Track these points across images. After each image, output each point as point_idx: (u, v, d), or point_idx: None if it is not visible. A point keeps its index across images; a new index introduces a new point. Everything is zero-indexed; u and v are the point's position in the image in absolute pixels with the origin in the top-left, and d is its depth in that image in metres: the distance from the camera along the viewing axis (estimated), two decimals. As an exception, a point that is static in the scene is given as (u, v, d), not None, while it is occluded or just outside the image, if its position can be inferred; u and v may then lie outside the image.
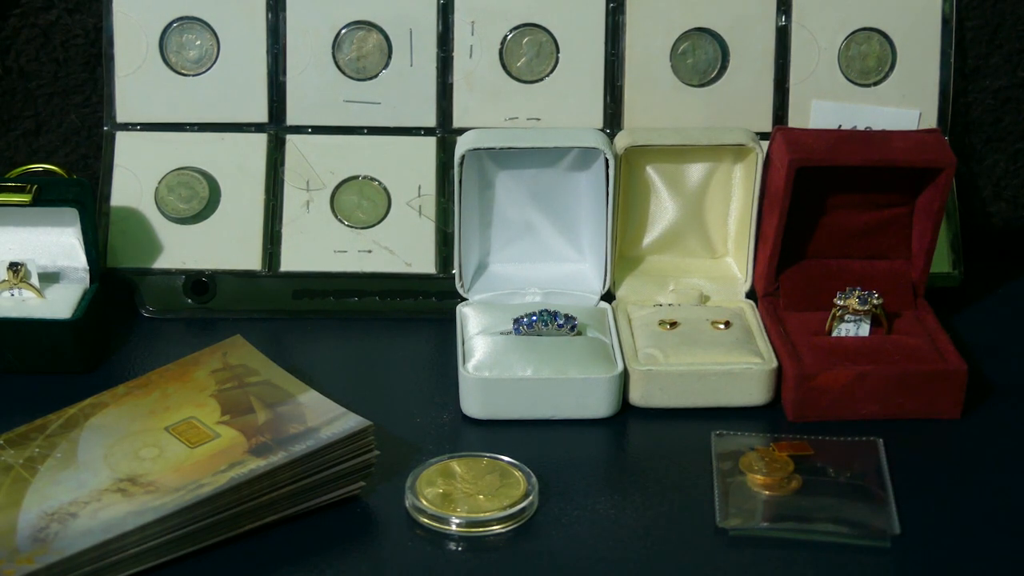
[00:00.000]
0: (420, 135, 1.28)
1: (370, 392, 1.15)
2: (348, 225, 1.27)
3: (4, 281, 1.18)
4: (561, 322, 1.15)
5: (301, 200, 1.27)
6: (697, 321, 1.19)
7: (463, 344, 1.16)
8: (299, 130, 1.28)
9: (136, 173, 1.27)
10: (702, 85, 1.29)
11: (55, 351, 1.16)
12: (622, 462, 1.09)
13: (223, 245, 1.26)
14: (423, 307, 1.26)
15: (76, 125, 1.33)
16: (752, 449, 1.07)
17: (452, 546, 0.99)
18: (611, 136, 1.23)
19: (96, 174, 1.28)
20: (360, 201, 1.27)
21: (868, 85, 1.29)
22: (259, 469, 0.98)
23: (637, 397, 1.14)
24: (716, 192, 1.24)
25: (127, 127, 1.28)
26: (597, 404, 1.12)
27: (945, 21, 1.28)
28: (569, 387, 1.12)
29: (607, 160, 1.18)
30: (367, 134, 1.28)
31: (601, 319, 1.19)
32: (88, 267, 1.20)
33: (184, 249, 1.26)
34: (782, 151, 1.17)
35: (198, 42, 1.27)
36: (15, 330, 1.15)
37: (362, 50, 1.28)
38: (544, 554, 0.98)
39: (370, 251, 1.26)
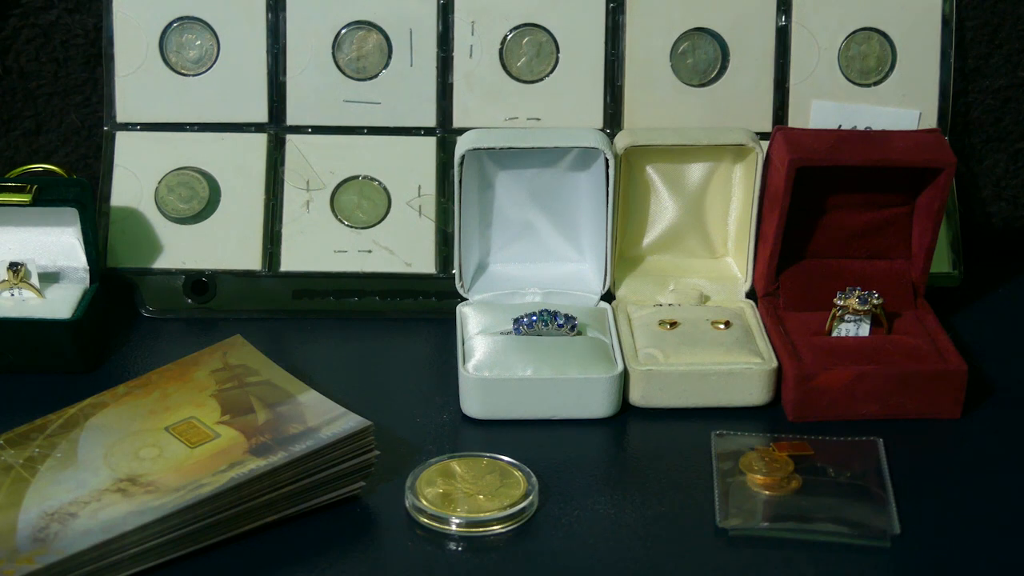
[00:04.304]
0: (420, 135, 1.28)
1: (370, 392, 1.15)
2: (348, 225, 1.27)
3: (4, 281, 1.18)
4: (561, 322, 1.15)
5: (301, 200, 1.27)
6: (697, 321, 1.19)
7: (463, 344, 1.16)
8: (299, 130, 1.28)
9: (136, 173, 1.27)
10: (702, 85, 1.29)
11: (55, 351, 1.16)
12: (622, 462, 1.09)
13: (223, 245, 1.26)
14: (423, 307, 1.26)
15: (76, 125, 1.33)
16: (752, 449, 1.07)
17: (452, 546, 0.99)
18: (611, 136, 1.23)
19: (96, 174, 1.28)
20: (360, 201, 1.27)
21: (868, 85, 1.29)
22: (259, 469, 0.98)
23: (637, 397, 1.14)
24: (716, 192, 1.24)
25: (127, 127, 1.28)
26: (597, 404, 1.12)
27: (945, 21, 1.28)
28: (569, 387, 1.12)
29: (607, 160, 1.18)
30: (367, 134, 1.28)
31: (601, 319, 1.19)
32: (88, 267, 1.20)
33: (184, 249, 1.26)
34: (782, 151, 1.17)
35: (198, 42, 1.27)
36: (15, 330, 1.15)
37: (362, 50, 1.28)
38: (544, 554, 0.98)
39: (370, 251, 1.26)
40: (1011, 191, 1.37)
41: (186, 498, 0.95)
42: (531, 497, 1.02)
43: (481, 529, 1.00)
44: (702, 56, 1.28)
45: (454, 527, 1.00)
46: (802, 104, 1.29)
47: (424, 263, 1.26)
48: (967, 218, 1.35)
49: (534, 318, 1.15)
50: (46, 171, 1.27)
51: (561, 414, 1.12)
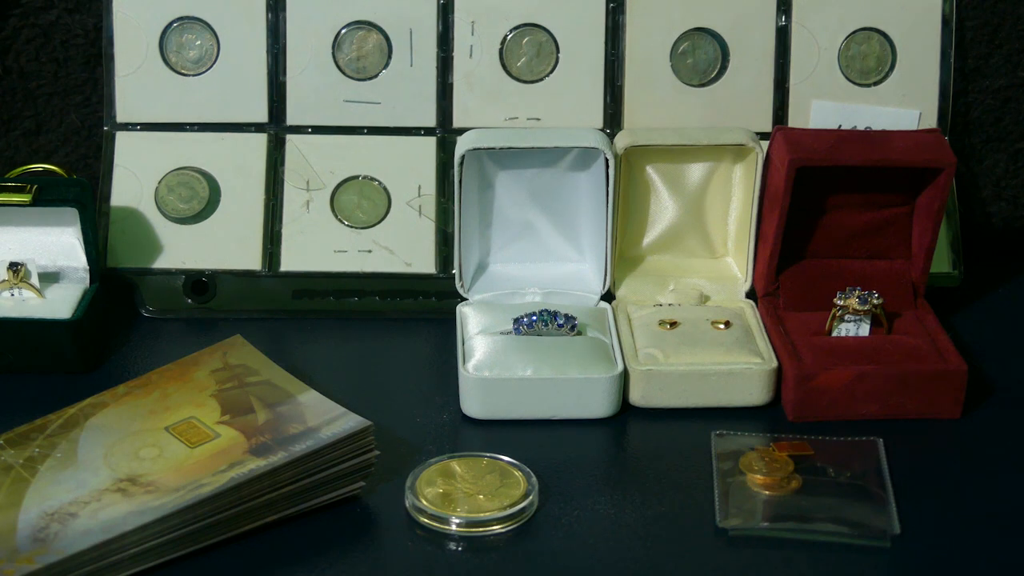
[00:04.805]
0: (420, 135, 1.28)
1: (370, 392, 1.15)
2: (348, 225, 1.27)
3: (4, 281, 1.18)
4: (561, 322, 1.15)
5: (301, 200, 1.27)
6: (697, 321, 1.19)
7: (463, 344, 1.16)
8: (299, 130, 1.28)
9: (136, 173, 1.27)
10: (702, 85, 1.29)
11: (55, 351, 1.16)
12: (622, 462, 1.09)
13: (223, 245, 1.26)
14: (423, 307, 1.26)
15: (76, 125, 1.33)
16: (752, 449, 1.07)
17: (452, 546, 0.99)
18: (611, 136, 1.23)
19: (96, 174, 1.28)
20: (360, 201, 1.27)
21: (868, 85, 1.29)
22: (259, 469, 0.98)
23: (637, 397, 1.14)
24: (716, 192, 1.24)
25: (127, 127, 1.28)
26: (597, 404, 1.12)
27: (945, 21, 1.28)
28: (569, 387, 1.12)
29: (607, 160, 1.18)
30: (367, 134, 1.28)
31: (601, 319, 1.19)
32: (88, 267, 1.20)
33: (184, 249, 1.26)
34: (782, 151, 1.17)
35: (198, 42, 1.27)
36: (15, 330, 1.15)
37: (362, 50, 1.28)
38: (544, 554, 0.98)
39: (370, 251, 1.26)
40: (1011, 191, 1.37)
41: (186, 498, 0.95)
42: (531, 497, 1.02)
43: (481, 529, 1.00)
44: (702, 56, 1.28)
45: (454, 527, 1.00)
46: (802, 104, 1.29)
47: (424, 263, 1.26)
48: (967, 218, 1.35)
49: (534, 318, 1.15)
50: (46, 171, 1.27)
51: (561, 414, 1.12)
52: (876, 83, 1.29)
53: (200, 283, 1.26)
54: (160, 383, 1.08)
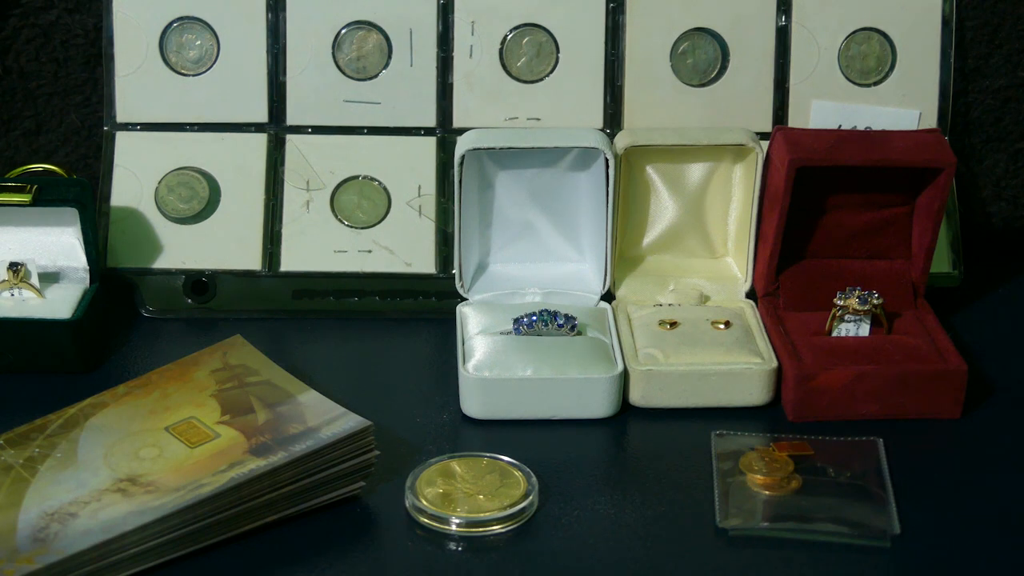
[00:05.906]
0: (420, 135, 1.28)
1: (370, 392, 1.15)
2: (348, 225, 1.27)
3: (4, 281, 1.18)
4: (561, 322, 1.15)
5: (301, 200, 1.27)
6: (697, 321, 1.19)
7: (463, 344, 1.16)
8: (299, 130, 1.28)
9: (136, 173, 1.27)
10: (702, 85, 1.29)
11: (55, 351, 1.16)
12: (622, 462, 1.09)
13: (223, 245, 1.26)
14: (423, 307, 1.26)
15: (76, 125, 1.33)
16: (752, 449, 1.07)
17: (452, 546, 0.99)
18: (611, 136, 1.23)
19: (96, 174, 1.28)
20: (360, 201, 1.27)
21: (868, 85, 1.29)
22: (259, 469, 0.98)
23: (637, 397, 1.14)
24: (716, 192, 1.24)
25: (127, 127, 1.28)
26: (597, 404, 1.12)
27: (945, 21, 1.28)
28: (569, 387, 1.12)
29: (607, 160, 1.18)
30: (367, 134, 1.28)
31: (601, 319, 1.19)
32: (88, 267, 1.20)
33: (184, 249, 1.26)
34: (782, 151, 1.17)
35: (198, 42, 1.27)
36: (15, 330, 1.15)
37: (362, 50, 1.28)
38: (544, 554, 0.98)
39: (370, 251, 1.26)
40: (1011, 191, 1.37)
41: (186, 498, 0.95)
42: (531, 497, 1.02)
43: (481, 529, 1.00)
44: (702, 56, 1.28)
45: (454, 527, 1.00)
46: (802, 104, 1.29)
47: (424, 263, 1.26)
48: (967, 218, 1.35)
49: (534, 318, 1.15)
50: (46, 171, 1.27)
51: (561, 414, 1.12)
52: (876, 83, 1.29)
53: (200, 283, 1.26)
54: (160, 383, 1.08)
